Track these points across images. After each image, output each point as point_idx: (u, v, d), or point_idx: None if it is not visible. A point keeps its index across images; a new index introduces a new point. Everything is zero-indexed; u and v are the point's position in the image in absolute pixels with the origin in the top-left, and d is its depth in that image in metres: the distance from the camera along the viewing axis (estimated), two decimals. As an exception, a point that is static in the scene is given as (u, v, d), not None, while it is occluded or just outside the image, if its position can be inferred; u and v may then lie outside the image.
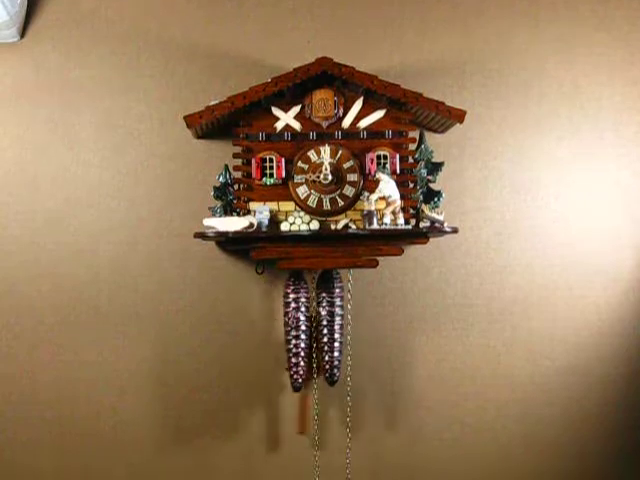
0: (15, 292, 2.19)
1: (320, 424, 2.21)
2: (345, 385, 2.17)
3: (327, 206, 2.03)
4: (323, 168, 2.00)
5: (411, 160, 2.08)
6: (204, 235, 1.97)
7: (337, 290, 2.11)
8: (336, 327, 2.10)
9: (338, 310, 2.11)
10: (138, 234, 2.20)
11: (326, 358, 2.11)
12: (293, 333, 2.08)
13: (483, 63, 2.29)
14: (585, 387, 2.28)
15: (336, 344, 2.10)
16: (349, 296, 2.16)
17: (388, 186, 1.98)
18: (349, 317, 2.17)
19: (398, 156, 2.04)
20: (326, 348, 2.10)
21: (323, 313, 2.10)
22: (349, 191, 2.03)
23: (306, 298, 2.10)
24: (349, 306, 2.16)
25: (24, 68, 2.21)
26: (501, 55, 2.29)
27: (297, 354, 2.09)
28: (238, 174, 2.06)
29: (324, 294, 2.11)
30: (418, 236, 2.04)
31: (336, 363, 2.11)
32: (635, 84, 2.30)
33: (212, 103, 1.99)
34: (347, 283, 2.17)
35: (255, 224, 1.97)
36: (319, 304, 2.11)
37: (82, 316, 2.20)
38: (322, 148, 2.01)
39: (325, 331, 2.10)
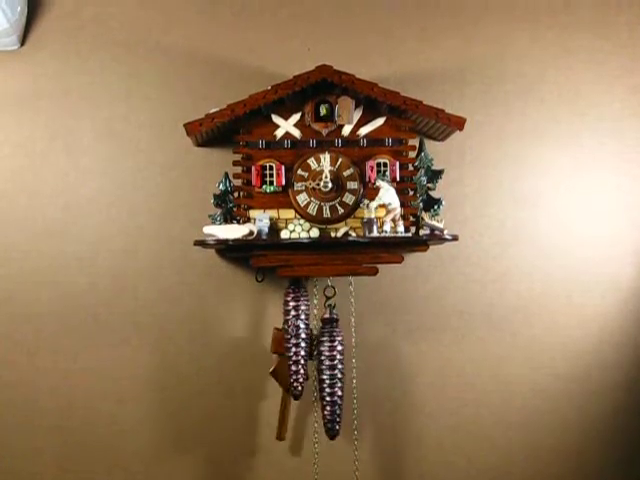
0: (14, 300, 2.19)
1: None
2: (351, 395, 2.16)
3: (327, 214, 2.03)
4: (323, 176, 2.01)
5: (411, 168, 2.08)
6: (204, 243, 1.98)
7: (338, 338, 2.09)
8: (337, 381, 2.08)
9: (339, 364, 2.08)
10: (138, 242, 2.20)
11: (325, 412, 2.08)
12: (293, 341, 2.08)
13: (483, 70, 2.29)
14: (585, 395, 2.27)
15: (336, 398, 2.08)
16: (352, 300, 2.16)
17: (388, 194, 1.98)
18: (352, 325, 2.16)
19: (398, 164, 2.05)
20: (325, 402, 2.08)
21: (323, 368, 2.08)
22: (349, 199, 2.03)
23: (306, 306, 2.09)
24: (352, 312, 2.16)
25: (24, 76, 2.21)
26: (501, 62, 2.30)
27: (297, 362, 2.09)
28: (238, 182, 2.06)
29: (325, 341, 2.08)
30: (418, 244, 2.04)
31: (336, 418, 2.08)
32: (635, 91, 2.30)
33: (212, 111, 2.00)
34: (349, 289, 2.16)
35: (255, 232, 1.97)
36: (320, 348, 2.09)
37: (81, 324, 2.19)
38: (322, 156, 2.02)
39: (325, 385, 2.07)
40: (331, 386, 2.07)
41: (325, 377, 2.08)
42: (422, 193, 2.09)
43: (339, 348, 2.09)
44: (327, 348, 2.08)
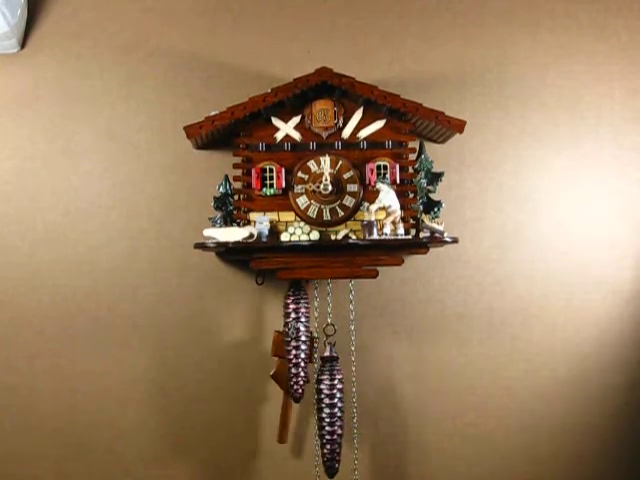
0: (15, 303, 2.18)
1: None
2: (350, 398, 2.16)
3: (327, 216, 2.03)
4: (323, 178, 2.01)
5: (411, 170, 2.08)
6: (204, 246, 1.98)
7: (338, 377, 2.08)
8: (337, 420, 2.07)
9: (339, 402, 2.08)
10: (138, 245, 2.20)
11: (325, 450, 2.08)
12: (293, 344, 2.07)
13: (483, 73, 2.29)
14: (585, 398, 2.27)
15: (336, 437, 2.07)
16: (351, 307, 2.16)
17: (388, 196, 1.98)
18: (351, 328, 2.16)
19: (398, 166, 2.05)
20: (325, 440, 2.07)
21: (322, 406, 2.07)
22: (349, 201, 2.04)
23: (306, 309, 2.09)
24: (351, 316, 2.16)
25: (24, 79, 2.21)
26: (501, 65, 2.30)
27: (297, 364, 2.09)
28: (238, 184, 2.06)
29: (325, 379, 2.08)
30: (418, 246, 2.04)
31: (336, 456, 2.07)
32: (635, 94, 2.31)
33: (212, 113, 2.00)
34: (349, 294, 2.16)
35: (255, 234, 1.97)
36: (319, 386, 2.08)
37: (82, 327, 2.19)
38: (322, 158, 2.01)
39: (325, 423, 2.07)
40: (331, 424, 2.07)
41: (325, 415, 2.07)
42: (422, 196, 2.09)
43: (339, 387, 2.08)
44: (327, 386, 2.07)
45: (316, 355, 2.15)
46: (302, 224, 2.02)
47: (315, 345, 2.15)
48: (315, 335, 2.15)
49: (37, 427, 2.19)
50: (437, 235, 2.01)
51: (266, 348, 2.20)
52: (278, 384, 2.16)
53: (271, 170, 2.04)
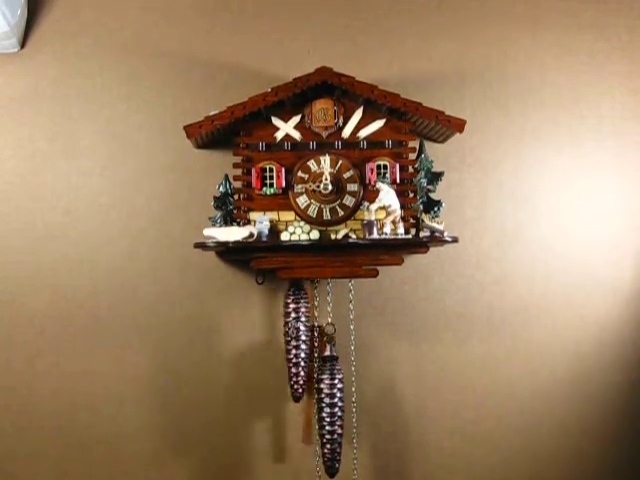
0: (15, 302, 2.18)
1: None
2: (350, 397, 2.16)
3: (327, 216, 2.03)
4: (323, 178, 2.00)
5: (411, 170, 2.08)
6: (204, 245, 1.98)
7: (339, 376, 2.09)
8: (337, 419, 2.08)
9: (339, 402, 2.08)
10: (138, 244, 2.20)
11: (325, 450, 2.08)
12: (293, 343, 2.08)
13: (483, 72, 2.29)
14: (585, 397, 2.27)
15: (336, 436, 2.08)
16: (351, 307, 2.16)
17: (388, 196, 1.98)
18: (351, 327, 2.16)
19: (398, 166, 2.05)
20: (325, 440, 2.08)
21: (322, 405, 2.08)
22: (349, 201, 2.03)
23: (306, 308, 2.09)
24: (351, 316, 2.16)
25: (24, 78, 2.21)
26: (501, 64, 2.30)
27: (297, 364, 2.09)
28: (238, 184, 2.06)
29: (325, 378, 2.08)
30: (418, 245, 2.04)
31: (336, 456, 2.08)
32: (635, 93, 2.31)
33: (212, 113, 2.00)
34: (349, 293, 2.17)
35: (255, 234, 1.97)
36: (320, 386, 2.09)
37: (82, 326, 2.19)
38: (322, 158, 2.01)
39: (325, 422, 2.07)
40: (331, 424, 2.07)
41: (325, 415, 2.08)
42: (422, 195, 2.09)
43: (339, 386, 2.09)
44: (327, 386, 2.08)
45: (316, 355, 2.15)
46: (302, 223, 2.02)
47: (315, 344, 2.15)
48: (315, 334, 2.15)
49: (37, 427, 2.19)
50: (437, 234, 2.01)
51: (266, 347, 2.21)
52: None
53: (271, 169, 2.04)
